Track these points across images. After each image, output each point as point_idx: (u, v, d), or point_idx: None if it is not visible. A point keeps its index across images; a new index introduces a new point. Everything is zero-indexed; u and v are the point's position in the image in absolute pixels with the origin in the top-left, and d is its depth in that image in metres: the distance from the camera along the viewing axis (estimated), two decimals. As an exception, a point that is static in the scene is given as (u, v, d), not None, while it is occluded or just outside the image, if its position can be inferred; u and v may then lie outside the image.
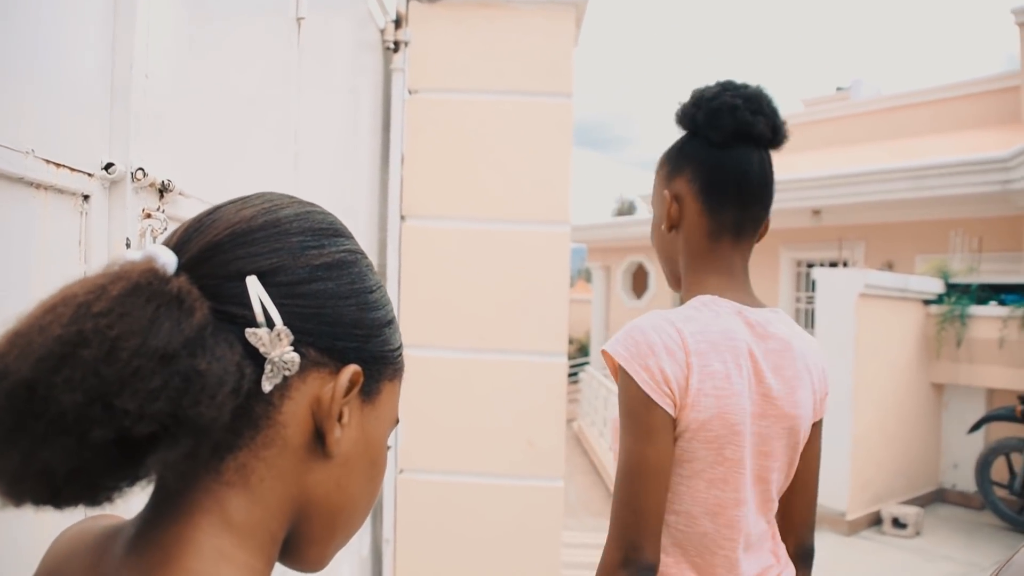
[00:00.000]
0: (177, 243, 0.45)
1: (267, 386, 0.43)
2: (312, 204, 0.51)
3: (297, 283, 0.45)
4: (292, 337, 0.44)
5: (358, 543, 2.63)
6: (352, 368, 0.46)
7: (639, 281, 17.77)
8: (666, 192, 1.13)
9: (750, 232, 1.11)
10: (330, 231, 0.49)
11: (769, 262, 10.84)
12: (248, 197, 0.49)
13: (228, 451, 0.44)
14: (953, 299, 6.13)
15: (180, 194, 1.09)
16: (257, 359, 0.43)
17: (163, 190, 1.05)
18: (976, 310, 6.01)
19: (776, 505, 1.12)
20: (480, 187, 2.84)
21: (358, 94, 2.45)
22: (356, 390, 0.47)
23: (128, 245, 0.98)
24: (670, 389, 0.98)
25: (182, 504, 0.44)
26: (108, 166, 0.95)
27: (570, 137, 3.05)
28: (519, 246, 2.76)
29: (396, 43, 2.75)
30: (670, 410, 0.99)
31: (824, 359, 1.15)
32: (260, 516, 0.45)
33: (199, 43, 1.20)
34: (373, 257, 2.72)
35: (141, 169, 0.99)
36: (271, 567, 0.47)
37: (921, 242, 9.08)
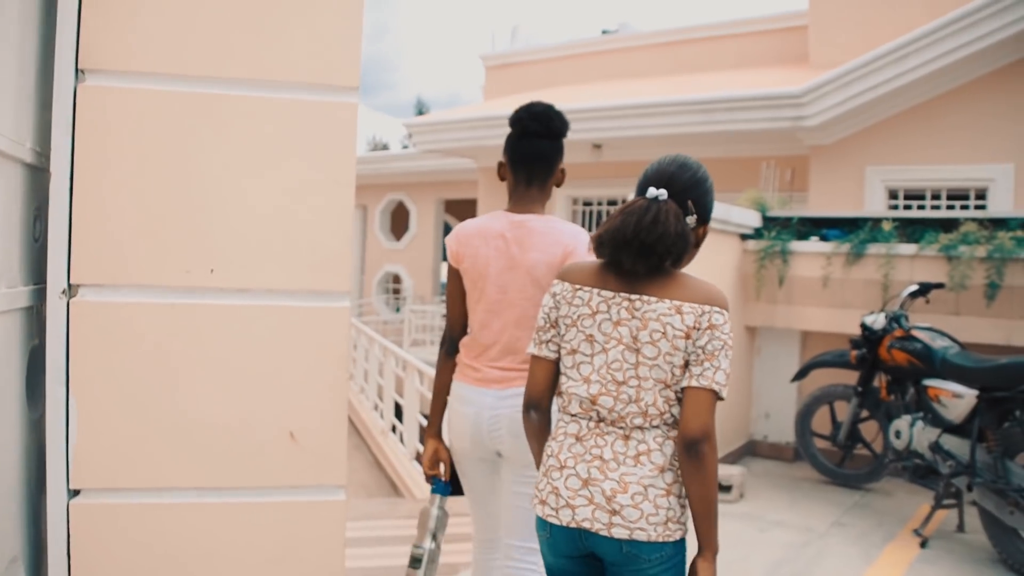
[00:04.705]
0: (665, 185, 1.65)
1: (692, 223, 1.69)
2: (686, 159, 1.73)
3: (698, 201, 1.69)
4: (696, 217, 1.69)
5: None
6: (707, 226, 1.75)
7: (399, 221, 16.34)
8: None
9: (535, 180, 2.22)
10: (701, 173, 1.72)
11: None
12: (682, 164, 1.71)
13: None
14: (773, 233, 5.56)
15: None
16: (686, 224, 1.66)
17: None
18: (798, 246, 5.48)
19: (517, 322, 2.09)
20: (212, 26, 1.70)
21: None
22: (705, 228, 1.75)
23: None
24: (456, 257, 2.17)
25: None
26: None
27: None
28: (277, 123, 1.72)
29: None
30: (457, 266, 2.17)
31: (565, 237, 2.09)
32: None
33: None
34: (29, 136, 1.65)
35: None
36: None
37: (707, 181, 8.76)
